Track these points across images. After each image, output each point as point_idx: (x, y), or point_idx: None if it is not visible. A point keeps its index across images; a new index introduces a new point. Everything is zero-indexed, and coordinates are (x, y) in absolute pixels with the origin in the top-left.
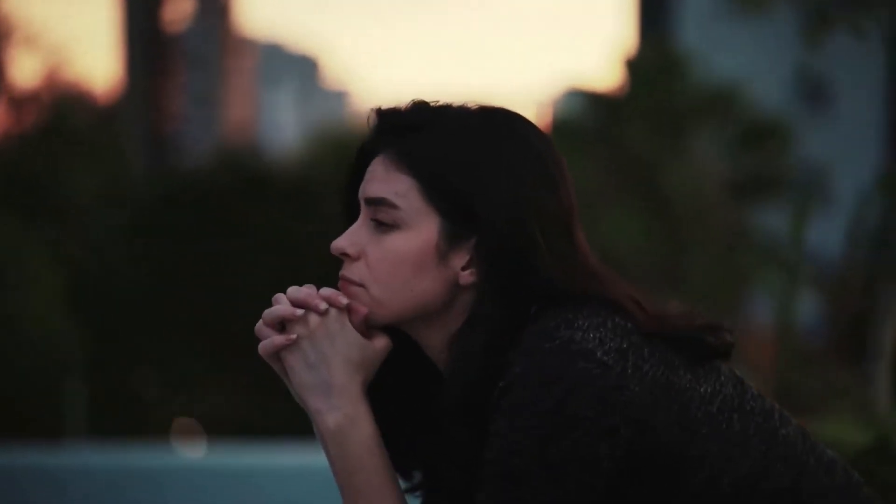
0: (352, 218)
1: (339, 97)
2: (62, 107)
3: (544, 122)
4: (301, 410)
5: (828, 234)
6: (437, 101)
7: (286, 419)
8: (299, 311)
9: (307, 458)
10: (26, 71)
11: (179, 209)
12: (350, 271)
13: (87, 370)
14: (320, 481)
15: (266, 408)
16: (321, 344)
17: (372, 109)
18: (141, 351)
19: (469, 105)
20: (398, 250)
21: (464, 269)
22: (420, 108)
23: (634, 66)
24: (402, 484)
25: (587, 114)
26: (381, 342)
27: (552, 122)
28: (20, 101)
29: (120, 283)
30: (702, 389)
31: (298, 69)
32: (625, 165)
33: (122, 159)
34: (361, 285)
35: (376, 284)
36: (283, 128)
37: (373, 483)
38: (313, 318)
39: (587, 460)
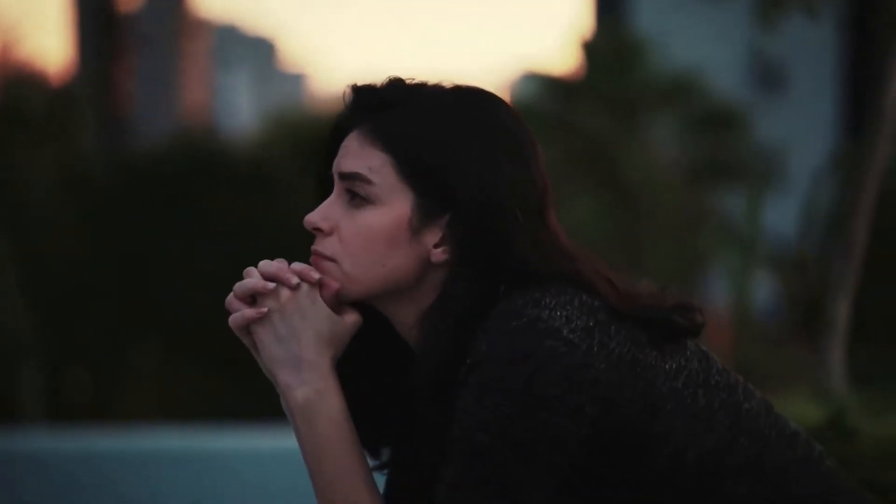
0: (325, 194)
1: (296, 80)
2: (14, 88)
3: None
4: (268, 392)
5: (784, 216)
6: (413, 80)
7: (247, 403)
8: (270, 285)
9: (273, 441)
10: None
11: (135, 192)
12: (322, 246)
13: (44, 356)
14: (279, 464)
15: (226, 392)
16: (292, 318)
17: (347, 86)
18: (98, 336)
19: (444, 84)
20: (371, 226)
21: (436, 246)
22: (395, 85)
23: (591, 50)
24: (371, 462)
25: (543, 98)
26: (351, 318)
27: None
28: None
29: (75, 267)
30: (667, 366)
31: (255, 51)
32: (582, 150)
33: (76, 141)
34: (333, 260)
35: (348, 259)
36: (240, 110)
37: (340, 458)
38: (284, 293)
39: (553, 438)
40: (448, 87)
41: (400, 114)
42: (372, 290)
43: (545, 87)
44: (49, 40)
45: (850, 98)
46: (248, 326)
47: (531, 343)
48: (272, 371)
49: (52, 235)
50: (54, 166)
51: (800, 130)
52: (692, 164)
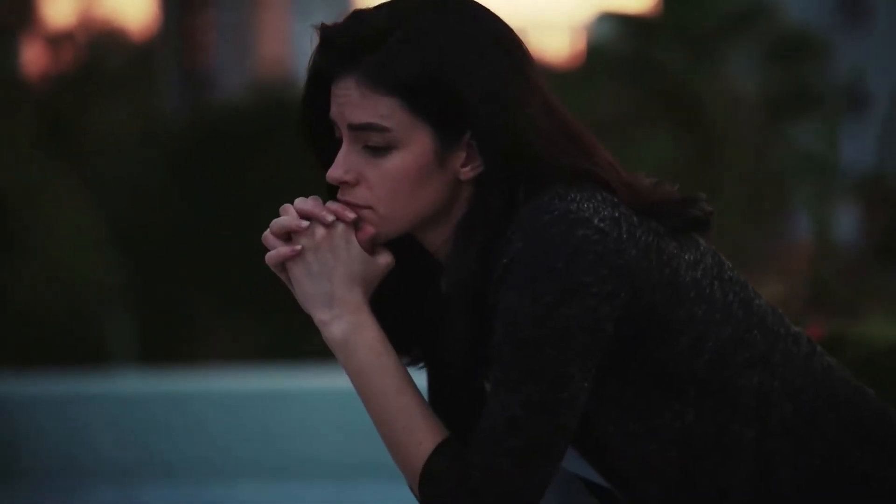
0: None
1: None
2: (96, 46)
3: (577, 47)
4: None
5: (866, 146)
6: (381, 6)
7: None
8: (304, 223)
9: (344, 381)
10: (59, 10)
11: (215, 143)
12: (353, 196)
13: (130, 302)
14: (355, 400)
15: (304, 333)
16: (325, 256)
17: (317, 28)
18: (179, 283)
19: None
20: (398, 169)
21: (463, 165)
22: (371, 19)
23: None
24: (405, 358)
25: (620, 37)
26: (384, 259)
27: (585, 47)
28: (55, 41)
29: (157, 220)
30: (686, 256)
31: (331, 0)
32: (660, 86)
33: (158, 96)
34: (369, 207)
35: (383, 204)
36: None
37: (385, 384)
38: (319, 231)
39: (593, 324)
40: (420, 1)
41: (391, 50)
42: (409, 225)
43: (621, 27)
44: None
45: None
46: (283, 263)
47: (564, 234)
48: (306, 308)
49: (134, 187)
50: (136, 121)
51: (881, 59)
52: (771, 94)
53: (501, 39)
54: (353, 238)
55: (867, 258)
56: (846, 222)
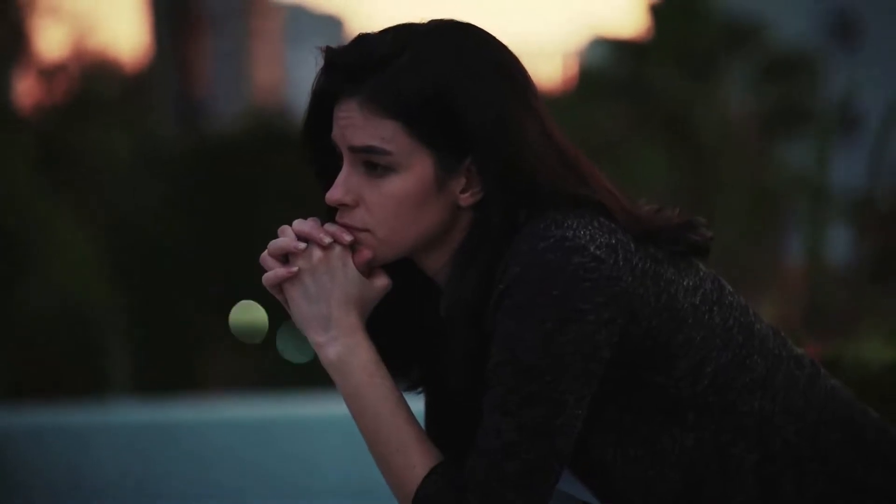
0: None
1: None
2: (90, 76)
3: (571, 71)
4: None
5: (859, 167)
6: (386, 31)
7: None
8: (302, 245)
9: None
10: (53, 42)
11: (211, 169)
12: (351, 219)
13: (128, 329)
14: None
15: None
16: (321, 278)
17: (322, 50)
18: (179, 308)
19: (418, 25)
20: (397, 193)
21: (462, 191)
22: (376, 43)
23: (658, 9)
24: (404, 382)
25: (614, 61)
26: (381, 282)
27: (578, 71)
28: (48, 73)
29: (155, 245)
30: (685, 282)
31: (324, 29)
32: (653, 107)
33: (153, 124)
34: (367, 230)
35: (381, 228)
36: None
37: (379, 406)
38: (316, 253)
39: (590, 350)
40: (426, 27)
41: (395, 73)
42: (406, 249)
43: (615, 51)
44: (123, 27)
45: None
46: (280, 285)
47: (560, 261)
48: (303, 329)
49: (132, 216)
50: (133, 149)
51: (872, 79)
52: (764, 114)
53: (504, 65)
54: (350, 260)
55: (861, 278)
56: (840, 242)
